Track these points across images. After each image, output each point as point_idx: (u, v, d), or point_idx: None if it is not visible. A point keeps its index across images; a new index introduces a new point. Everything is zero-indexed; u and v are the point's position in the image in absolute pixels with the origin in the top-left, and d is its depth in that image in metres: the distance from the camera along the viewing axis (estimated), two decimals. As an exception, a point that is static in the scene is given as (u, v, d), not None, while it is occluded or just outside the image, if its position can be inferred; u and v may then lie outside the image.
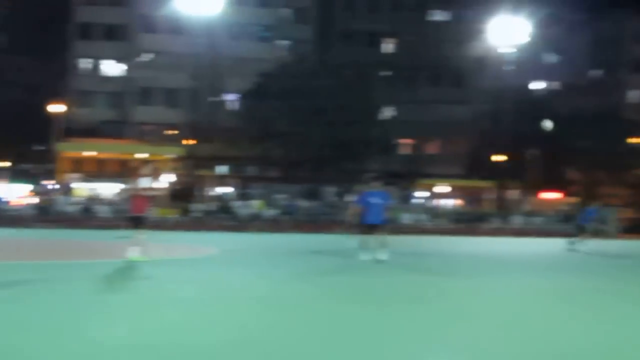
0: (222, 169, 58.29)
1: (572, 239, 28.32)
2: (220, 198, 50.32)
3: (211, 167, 56.97)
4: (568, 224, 47.59)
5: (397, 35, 64.63)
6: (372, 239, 18.68)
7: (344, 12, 63.64)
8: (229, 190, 53.30)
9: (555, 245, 31.70)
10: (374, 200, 18.73)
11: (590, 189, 57.73)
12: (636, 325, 9.20)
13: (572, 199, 59.26)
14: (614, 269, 19.37)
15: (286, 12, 62.82)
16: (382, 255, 18.18)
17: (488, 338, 7.97)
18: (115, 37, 61.53)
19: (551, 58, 67.83)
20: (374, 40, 63.88)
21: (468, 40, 57.70)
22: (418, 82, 62.90)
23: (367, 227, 18.90)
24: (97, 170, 56.25)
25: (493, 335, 8.14)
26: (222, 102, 59.35)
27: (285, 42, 61.81)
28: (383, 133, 56.57)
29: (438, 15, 66.06)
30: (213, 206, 46.12)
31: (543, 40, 60.10)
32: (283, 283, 13.21)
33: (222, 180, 56.03)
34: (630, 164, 58.72)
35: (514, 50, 54.95)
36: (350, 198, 26.95)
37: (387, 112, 60.74)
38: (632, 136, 62.45)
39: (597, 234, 28.51)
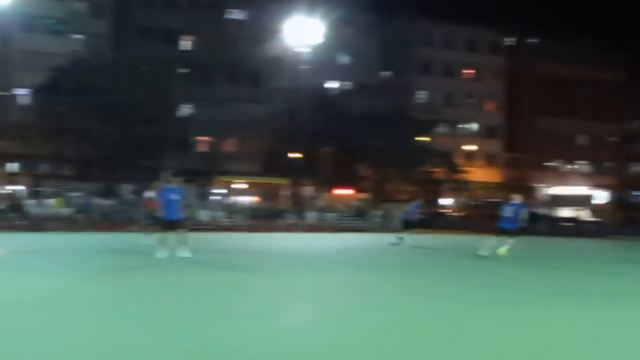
0: (12, 167, 55.82)
1: (400, 235, 29.24)
2: (10, 196, 48.18)
3: (0, 165, 54.45)
4: (360, 220, 49.72)
5: (194, 33, 64.38)
6: (171, 236, 18.67)
7: (141, 8, 62.57)
8: (20, 188, 51.13)
9: (347, 240, 32.86)
10: (172, 196, 18.73)
11: (381, 186, 60.13)
12: (409, 314, 9.99)
13: (364, 195, 61.57)
14: (401, 262, 20.33)
15: (81, 6, 60.96)
16: (183, 253, 18.22)
17: (289, 332, 8.39)
18: None
19: (345, 59, 69.72)
20: (171, 37, 63.28)
21: (264, 39, 58.44)
22: (216, 80, 62.97)
23: (165, 224, 18.89)
24: None
25: (294, 329, 8.60)
26: (13, 97, 56.80)
27: (80, 37, 59.96)
28: (181, 131, 56.26)
29: (235, 14, 66.40)
30: (2, 205, 44.11)
31: (337, 41, 61.68)
32: (75, 284, 12.94)
33: (12, 178, 53.66)
34: (418, 161, 61.37)
35: (309, 50, 56.10)
36: (148, 195, 26.68)
37: (185, 110, 60.42)
38: (419, 135, 65.47)
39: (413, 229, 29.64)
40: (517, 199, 22.20)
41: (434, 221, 55.47)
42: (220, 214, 47.78)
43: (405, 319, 9.45)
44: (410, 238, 28.83)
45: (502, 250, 21.62)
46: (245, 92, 63.77)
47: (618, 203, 78.64)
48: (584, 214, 73.94)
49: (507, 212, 21.44)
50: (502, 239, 21.55)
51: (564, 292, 13.65)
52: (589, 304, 11.77)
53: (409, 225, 29.63)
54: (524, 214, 21.53)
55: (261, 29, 60.64)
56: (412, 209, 30.33)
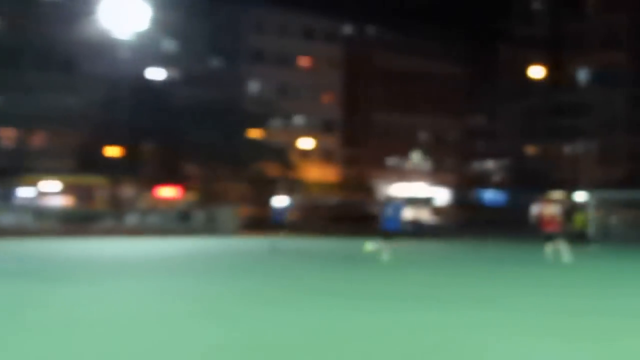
0: None
1: (274, 239, 29.41)
2: None
3: None
4: (186, 222, 49.61)
5: (-2, 13, 62.14)
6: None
7: None
8: None
9: (171, 245, 33.04)
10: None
11: (209, 185, 60.08)
12: (244, 324, 10.33)
13: (191, 196, 61.39)
14: (233, 267, 20.84)
15: None
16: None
17: (99, 347, 8.36)
18: None
19: (170, 45, 69.18)
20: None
21: (80, 21, 57.22)
22: (23, 65, 60.99)
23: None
24: None
25: (105, 343, 8.58)
26: None
27: None
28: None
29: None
30: None
31: (162, 25, 61.16)
32: None
33: None
34: (250, 158, 61.67)
35: (131, 34, 55.46)
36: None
37: (-14, 99, 58.35)
38: (251, 129, 65.87)
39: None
40: (397, 199, 23.24)
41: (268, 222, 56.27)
42: (27, 217, 46.63)
43: (240, 330, 9.61)
44: (282, 241, 29.19)
45: (369, 247, 22.63)
46: (58, 80, 62.06)
47: (459, 202, 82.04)
48: (425, 214, 76.75)
49: (388, 212, 22.46)
50: (385, 240, 22.54)
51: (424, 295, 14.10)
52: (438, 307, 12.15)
53: (279, 226, 29.89)
54: (402, 214, 22.85)
55: (76, 9, 59.29)
56: (281, 208, 30.60)
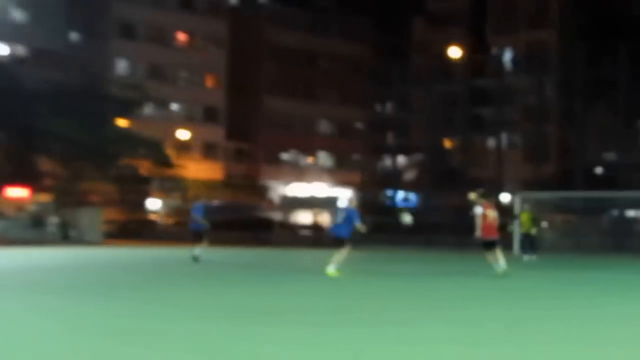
0: None
1: (196, 248, 28.36)
2: None
3: None
4: (37, 229, 47.93)
5: None
6: None
7: None
8: None
9: (21, 257, 31.65)
10: None
11: (67, 184, 58.27)
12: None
13: (44, 197, 59.35)
14: (99, 284, 19.77)
15: None
16: None
17: None
18: None
19: (18, 16, 67.96)
20: None
21: None
22: None
23: None
24: None
25: None
26: None
27: None
28: None
29: None
30: None
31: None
32: None
33: None
34: (117, 152, 60.27)
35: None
36: None
37: None
38: (118, 118, 64.30)
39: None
40: (349, 202, 23.71)
41: (140, 230, 54.96)
42: None
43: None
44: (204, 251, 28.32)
45: (331, 271, 22.29)
46: None
47: (366, 204, 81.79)
48: (326, 219, 76.17)
49: (340, 217, 22.82)
50: (340, 249, 22.71)
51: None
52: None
53: (199, 235, 28.73)
54: (356, 220, 22.60)
55: None
56: (196, 212, 29.11)
